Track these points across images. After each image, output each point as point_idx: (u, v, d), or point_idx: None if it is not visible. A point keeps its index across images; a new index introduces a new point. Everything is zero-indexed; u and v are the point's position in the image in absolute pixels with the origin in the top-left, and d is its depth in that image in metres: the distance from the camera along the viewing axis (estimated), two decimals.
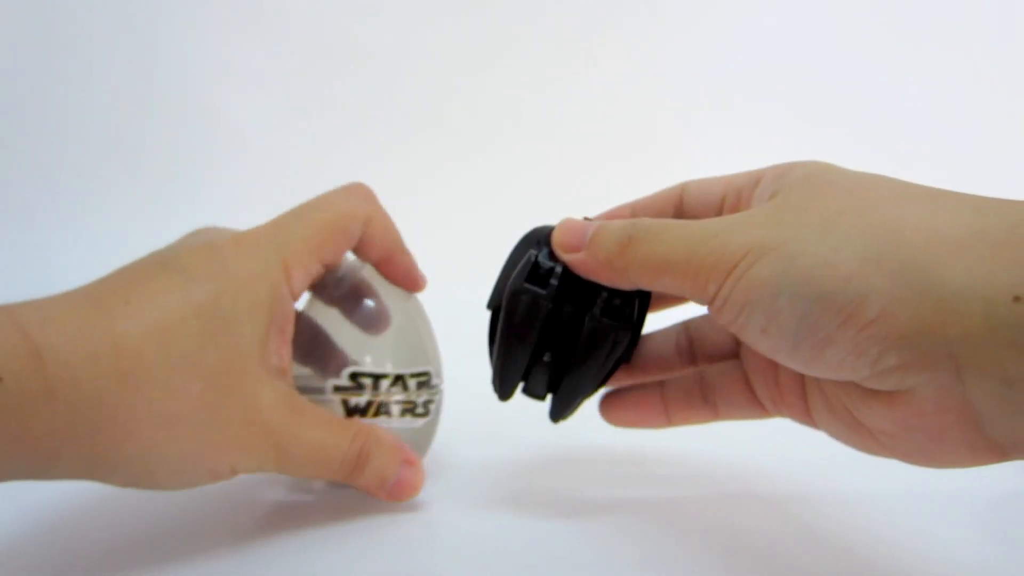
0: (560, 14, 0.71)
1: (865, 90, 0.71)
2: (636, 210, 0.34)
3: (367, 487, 0.31)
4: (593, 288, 0.29)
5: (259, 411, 0.28)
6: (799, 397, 0.29)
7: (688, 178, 0.32)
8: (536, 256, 0.29)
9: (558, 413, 0.32)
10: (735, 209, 0.30)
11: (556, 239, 0.29)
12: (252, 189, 0.68)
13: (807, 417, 0.29)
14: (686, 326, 0.35)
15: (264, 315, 0.28)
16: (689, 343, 0.35)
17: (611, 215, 0.34)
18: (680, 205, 0.33)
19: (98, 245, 0.60)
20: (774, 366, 0.30)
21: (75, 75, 0.69)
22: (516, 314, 0.29)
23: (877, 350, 0.22)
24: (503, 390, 0.31)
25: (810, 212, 0.24)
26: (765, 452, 0.39)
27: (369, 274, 0.34)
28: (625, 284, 0.28)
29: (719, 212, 0.31)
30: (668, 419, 0.34)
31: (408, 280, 0.35)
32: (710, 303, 0.26)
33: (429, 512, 0.34)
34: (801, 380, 0.29)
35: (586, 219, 0.31)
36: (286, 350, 0.30)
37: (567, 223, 0.29)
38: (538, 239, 0.31)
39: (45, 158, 0.68)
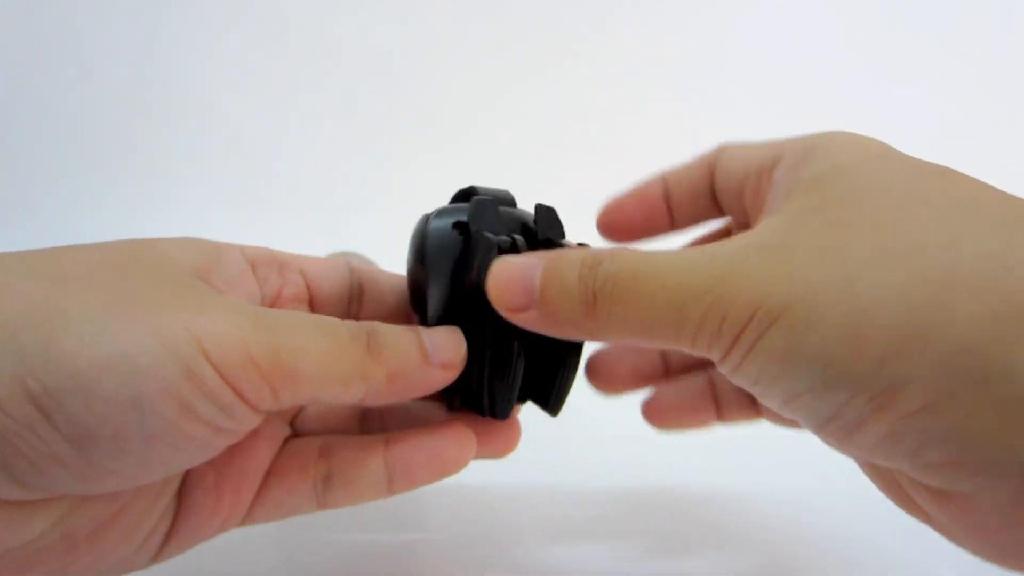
0: (551, 8, 0.70)
1: (869, 91, 0.71)
2: (669, 183, 0.29)
3: (396, 373, 0.23)
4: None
5: (209, 291, 0.21)
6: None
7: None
8: (494, 240, 0.24)
9: (558, 405, 0.27)
10: (755, 200, 0.26)
11: (494, 297, 0.22)
12: (247, 188, 0.68)
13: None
14: None
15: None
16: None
17: (641, 192, 0.30)
18: (712, 177, 0.28)
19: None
20: None
21: (69, 74, 0.69)
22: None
23: (917, 440, 0.17)
24: (507, 404, 0.26)
25: (826, 253, 0.19)
26: (752, 453, 0.39)
27: None
28: (597, 342, 0.23)
29: (740, 201, 0.27)
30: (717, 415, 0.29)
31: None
32: (718, 365, 0.21)
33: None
34: None
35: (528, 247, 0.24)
36: None
37: (502, 271, 0.22)
38: (480, 215, 0.25)
39: (41, 157, 0.68)
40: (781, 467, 0.38)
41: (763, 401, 0.21)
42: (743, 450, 0.38)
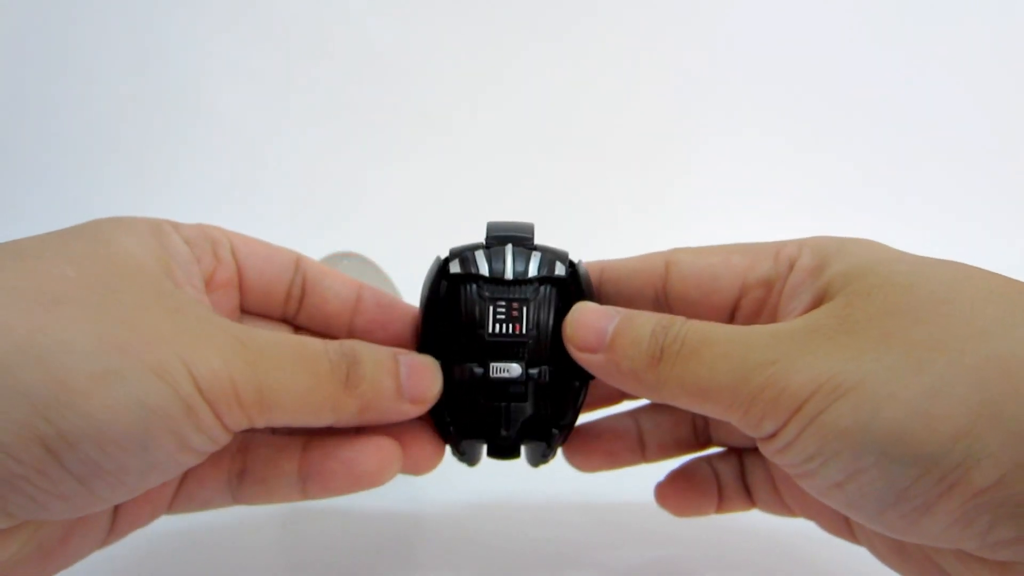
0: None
1: (867, 88, 0.71)
2: (605, 274, 0.28)
3: (368, 407, 0.23)
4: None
5: (190, 303, 0.21)
6: (838, 514, 0.25)
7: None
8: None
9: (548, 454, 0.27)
10: (758, 311, 0.26)
11: (568, 333, 0.24)
12: (246, 187, 0.68)
13: (847, 534, 0.26)
14: None
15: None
16: (705, 423, 0.30)
17: None
18: (664, 287, 0.27)
19: None
20: None
21: (64, 71, 0.69)
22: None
23: (988, 520, 0.18)
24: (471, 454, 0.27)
25: (891, 338, 0.19)
26: None
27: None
28: (653, 399, 0.24)
29: (731, 312, 0.26)
30: (719, 506, 0.29)
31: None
32: (766, 442, 0.21)
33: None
34: None
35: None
36: None
37: (583, 314, 0.24)
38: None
39: (37, 155, 0.68)
40: None
41: (807, 483, 0.21)
42: None
